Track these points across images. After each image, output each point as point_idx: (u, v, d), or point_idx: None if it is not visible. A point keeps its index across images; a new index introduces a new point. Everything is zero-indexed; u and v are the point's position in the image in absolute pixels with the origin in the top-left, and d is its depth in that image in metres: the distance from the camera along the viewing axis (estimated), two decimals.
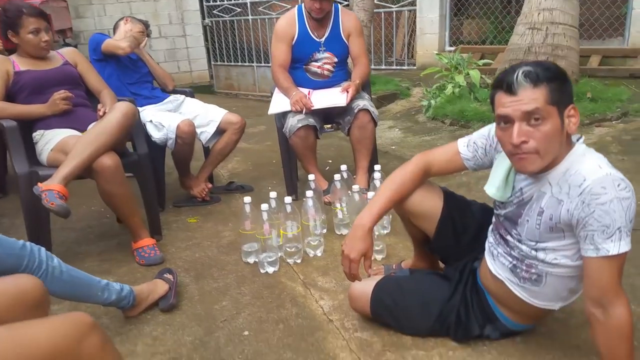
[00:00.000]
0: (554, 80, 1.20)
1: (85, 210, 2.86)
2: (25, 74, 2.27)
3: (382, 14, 6.54)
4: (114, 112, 2.08)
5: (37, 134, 2.25)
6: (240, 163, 3.69)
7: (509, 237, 1.43)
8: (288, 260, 2.15)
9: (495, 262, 1.48)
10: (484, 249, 1.56)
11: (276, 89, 2.78)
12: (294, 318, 1.77)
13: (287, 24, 2.71)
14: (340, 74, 2.80)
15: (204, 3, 7.87)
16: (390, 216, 2.40)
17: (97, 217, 2.79)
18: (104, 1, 6.96)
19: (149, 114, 2.69)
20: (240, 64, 7.18)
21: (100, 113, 2.28)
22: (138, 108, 2.53)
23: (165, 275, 1.92)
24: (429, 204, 1.60)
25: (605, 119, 3.68)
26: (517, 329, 1.56)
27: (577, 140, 1.29)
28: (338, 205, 2.35)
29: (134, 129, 2.22)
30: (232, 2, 7.55)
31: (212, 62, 7.89)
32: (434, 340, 1.58)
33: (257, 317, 1.79)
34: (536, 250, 1.35)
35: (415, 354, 1.54)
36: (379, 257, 2.13)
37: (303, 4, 2.72)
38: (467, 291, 1.56)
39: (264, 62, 6.66)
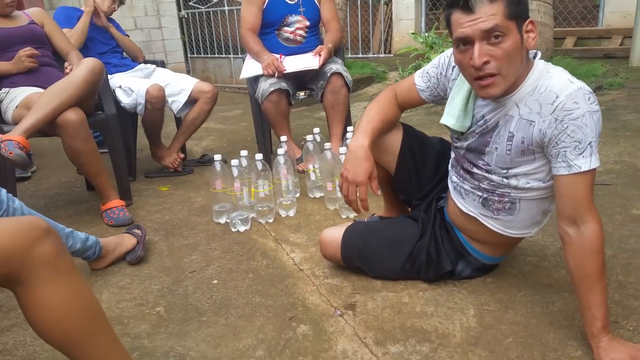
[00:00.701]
0: None
1: (56, 181, 2.81)
2: None
3: (359, 6, 6.55)
4: (80, 67, 2.03)
5: (2, 92, 2.19)
6: (214, 141, 3.65)
7: (475, 170, 1.39)
8: (260, 220, 2.12)
9: (465, 200, 1.45)
10: (446, 187, 1.55)
11: (248, 55, 2.75)
12: (264, 268, 1.74)
13: None
14: (312, 40, 2.78)
15: None
16: None
17: (68, 186, 2.73)
18: None
19: (118, 80, 2.64)
20: (217, 55, 7.13)
21: (67, 71, 2.23)
22: (108, 75, 2.48)
23: (133, 230, 1.88)
24: (390, 137, 1.58)
25: None
26: (490, 262, 1.55)
27: (534, 56, 1.26)
28: (310, 166, 2.33)
29: (100, 86, 2.16)
30: None
31: (189, 55, 7.81)
32: (404, 283, 1.57)
33: (227, 269, 1.76)
34: (507, 177, 1.32)
35: (385, 295, 1.52)
36: (351, 215, 2.11)
37: None
38: (436, 229, 1.54)
39: (241, 54, 6.61)
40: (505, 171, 1.33)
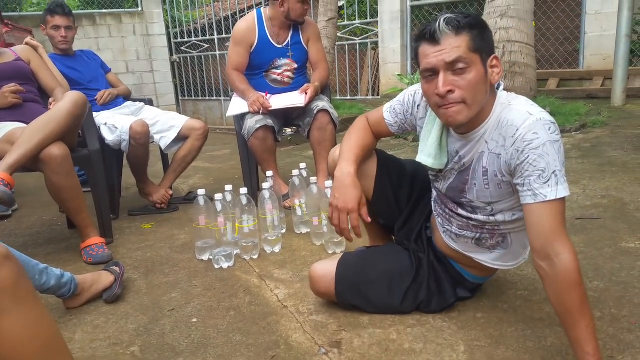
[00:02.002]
0: (476, 27, 1.19)
1: (37, 219, 2.75)
2: None
3: (347, 50, 6.72)
4: (64, 101, 2.02)
5: None
6: (202, 179, 3.62)
7: (460, 211, 1.40)
8: (244, 257, 2.06)
9: (457, 244, 1.46)
10: (429, 214, 1.54)
11: (235, 93, 2.76)
12: (247, 306, 1.68)
13: (246, 29, 2.70)
14: (300, 80, 2.80)
15: (172, 40, 7.97)
16: None
17: (49, 225, 2.67)
18: None
19: (104, 117, 2.63)
20: (207, 98, 7.21)
21: (51, 106, 2.21)
22: (93, 113, 2.47)
23: (111, 267, 1.81)
24: (366, 162, 1.58)
25: (564, 130, 3.77)
26: (486, 281, 1.59)
27: (497, 87, 1.28)
28: (297, 201, 2.29)
29: (84, 119, 2.14)
30: (200, 38, 7.67)
31: (180, 97, 7.90)
32: (391, 319, 1.51)
33: (208, 306, 1.69)
34: (493, 215, 1.34)
35: (372, 332, 1.46)
36: (337, 250, 2.06)
37: (263, 9, 2.75)
38: (432, 261, 1.53)
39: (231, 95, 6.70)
40: (489, 208, 1.33)
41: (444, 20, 1.18)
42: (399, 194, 1.61)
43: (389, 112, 1.52)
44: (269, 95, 2.65)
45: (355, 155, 1.47)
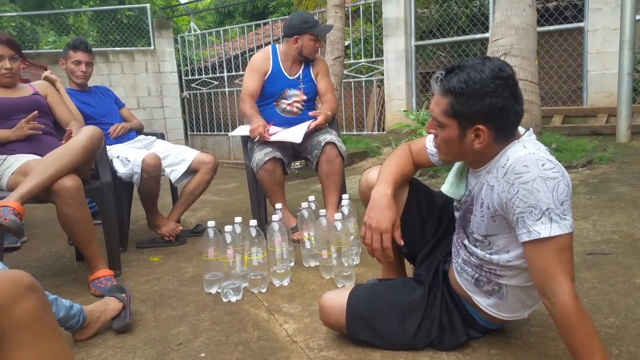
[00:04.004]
0: (462, 95, 1.19)
1: (45, 252, 2.76)
2: None
3: (353, 87, 6.84)
4: (80, 135, 2.05)
5: None
6: (209, 212, 3.62)
7: (466, 242, 1.41)
8: (252, 290, 2.04)
9: (460, 278, 1.45)
10: (449, 248, 1.53)
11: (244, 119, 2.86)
12: (255, 340, 1.65)
13: (263, 59, 2.83)
14: (308, 112, 2.85)
15: (183, 77, 8.15)
16: (360, 249, 2.35)
17: (57, 257, 2.68)
18: None
19: (116, 150, 2.67)
20: (216, 133, 7.31)
21: (68, 134, 2.20)
22: (106, 146, 2.51)
23: (118, 293, 1.80)
24: (398, 188, 1.57)
25: (571, 166, 3.77)
26: (497, 328, 1.54)
27: (524, 132, 1.28)
28: (305, 234, 2.29)
29: (98, 154, 2.17)
30: (210, 75, 7.85)
31: (189, 132, 8.02)
32: (404, 355, 1.48)
33: (216, 341, 1.66)
34: (490, 252, 1.33)
35: None
36: (347, 283, 2.04)
37: (277, 45, 2.88)
38: (445, 296, 1.50)
39: None
40: (486, 241, 1.33)
41: (438, 77, 1.24)
42: (426, 224, 1.60)
43: (430, 142, 1.52)
44: (272, 127, 2.71)
45: (393, 180, 1.48)
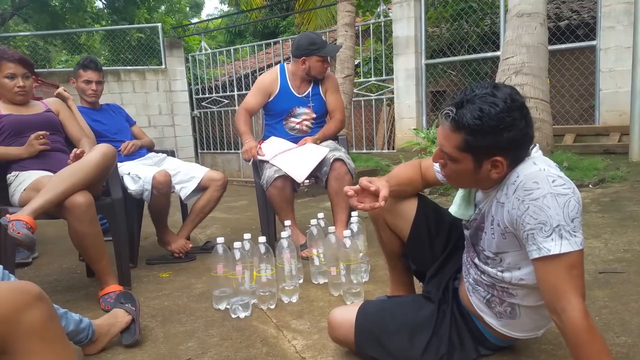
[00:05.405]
0: (479, 132, 1.16)
1: (56, 267, 2.79)
2: (6, 117, 2.31)
3: (363, 105, 6.88)
4: (94, 152, 2.09)
5: (11, 175, 2.23)
6: (219, 229, 3.64)
7: (477, 261, 1.40)
8: (261, 306, 2.04)
9: (472, 298, 1.44)
10: (459, 265, 1.51)
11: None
12: (264, 356, 1.65)
13: (269, 80, 2.86)
14: (318, 129, 2.87)
15: (194, 95, 8.26)
16: (369, 266, 2.34)
17: (68, 273, 2.70)
18: None
19: (127, 167, 2.70)
20: (226, 151, 7.36)
21: (77, 152, 2.18)
22: (117, 163, 2.55)
23: (126, 305, 1.80)
24: (405, 202, 1.60)
25: (583, 185, 3.75)
26: (508, 345, 1.52)
27: (532, 148, 1.27)
28: (314, 251, 2.29)
29: (111, 171, 2.20)
30: (221, 94, 7.95)
31: (199, 150, 8.08)
32: None
33: (224, 356, 1.66)
34: (501, 271, 1.32)
35: None
36: (356, 300, 2.03)
37: (285, 64, 2.90)
38: (455, 313, 1.49)
39: None
40: (498, 259, 1.32)
41: (445, 113, 1.21)
42: (435, 241, 1.60)
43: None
44: (261, 142, 2.77)
45: (396, 181, 1.53)
